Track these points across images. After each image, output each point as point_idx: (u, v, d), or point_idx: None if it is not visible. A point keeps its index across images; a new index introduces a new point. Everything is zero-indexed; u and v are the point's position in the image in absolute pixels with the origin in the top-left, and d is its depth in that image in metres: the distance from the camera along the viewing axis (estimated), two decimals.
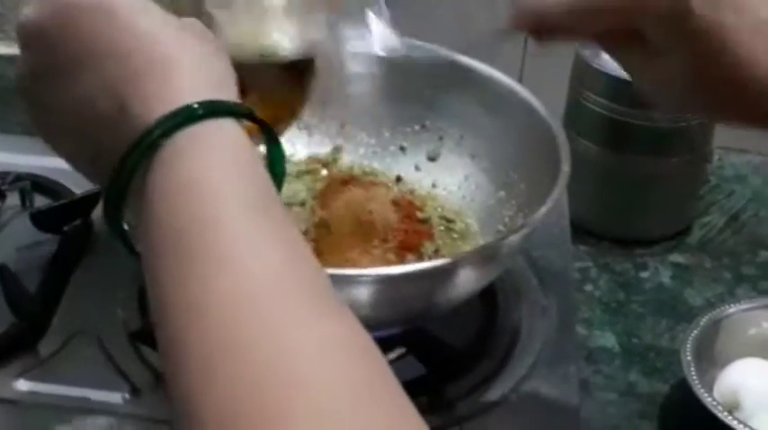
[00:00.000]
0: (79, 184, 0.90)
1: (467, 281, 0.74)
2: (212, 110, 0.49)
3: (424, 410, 0.74)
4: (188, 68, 0.51)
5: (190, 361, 0.43)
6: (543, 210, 0.74)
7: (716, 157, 1.16)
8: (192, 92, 0.49)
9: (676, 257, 1.04)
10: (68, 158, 0.56)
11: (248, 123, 0.52)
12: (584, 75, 1.02)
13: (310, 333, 0.44)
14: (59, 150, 0.56)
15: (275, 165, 0.54)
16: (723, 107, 0.61)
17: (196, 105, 0.48)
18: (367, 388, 0.43)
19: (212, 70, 0.52)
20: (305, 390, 0.41)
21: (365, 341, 0.45)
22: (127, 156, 0.49)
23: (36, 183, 0.93)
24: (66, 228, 0.87)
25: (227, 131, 0.49)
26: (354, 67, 0.91)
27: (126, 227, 0.52)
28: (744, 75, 0.57)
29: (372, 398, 0.43)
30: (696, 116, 0.97)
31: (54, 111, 0.54)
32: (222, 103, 0.49)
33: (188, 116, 0.48)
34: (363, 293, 0.71)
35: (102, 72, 0.51)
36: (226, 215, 0.47)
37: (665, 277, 1.02)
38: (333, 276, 0.70)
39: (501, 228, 0.85)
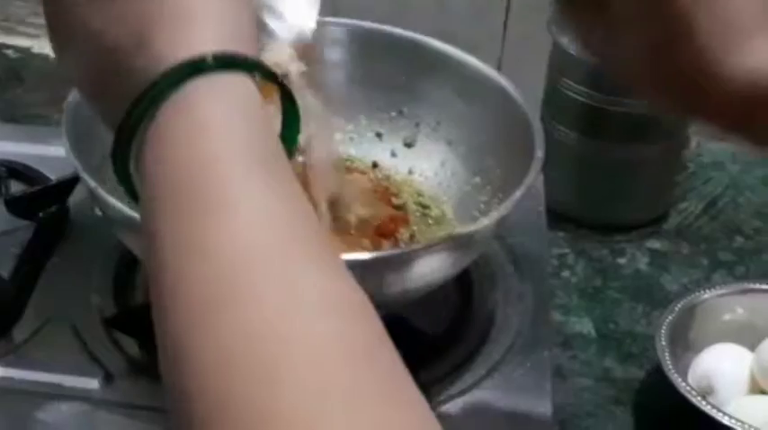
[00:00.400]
0: (55, 171, 0.90)
1: (441, 266, 0.74)
2: (229, 62, 0.48)
3: None
4: (213, 18, 0.50)
5: (189, 303, 0.43)
6: (517, 194, 0.74)
7: (694, 144, 1.17)
8: (213, 42, 0.49)
9: (653, 243, 1.05)
10: (81, 90, 0.56)
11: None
12: (562, 62, 1.02)
13: (312, 289, 0.43)
14: (77, 82, 0.56)
15: (290, 127, 0.53)
16: (688, 104, 0.59)
17: (212, 56, 0.48)
18: (363, 350, 0.43)
19: (237, 24, 0.51)
20: (300, 348, 0.41)
21: (365, 302, 0.44)
22: (142, 95, 0.48)
23: (12, 170, 0.93)
24: (41, 215, 0.87)
25: (241, 86, 0.49)
26: (331, 54, 0.91)
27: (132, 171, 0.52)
28: (707, 70, 0.54)
29: (368, 361, 0.42)
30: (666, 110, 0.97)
31: (78, 37, 0.54)
32: (240, 56, 0.49)
33: (201, 66, 0.48)
34: None
35: (131, 6, 0.51)
36: (231, 162, 0.46)
37: (642, 263, 1.02)
38: None
39: (476, 213, 0.85)
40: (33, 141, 0.96)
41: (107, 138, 0.80)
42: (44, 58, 1.25)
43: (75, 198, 0.89)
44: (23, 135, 0.99)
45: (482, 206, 0.86)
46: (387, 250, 0.73)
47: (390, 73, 0.91)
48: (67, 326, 0.79)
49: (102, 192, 0.72)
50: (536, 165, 0.76)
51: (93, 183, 0.73)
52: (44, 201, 0.88)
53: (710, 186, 1.13)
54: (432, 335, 0.79)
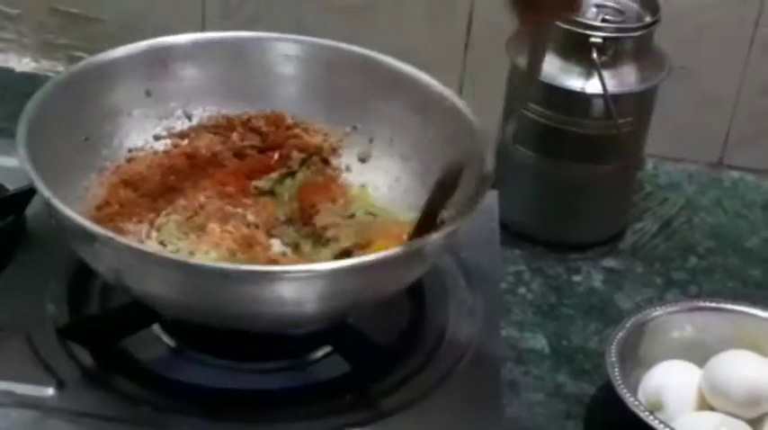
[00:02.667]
0: (12, 182, 0.91)
1: (391, 278, 0.75)
2: None
3: (349, 407, 0.77)
4: None
5: None
6: (467, 211, 0.76)
7: (651, 166, 1.18)
8: None
9: (609, 262, 1.06)
10: None
11: None
12: (520, 82, 1.03)
13: None
14: None
15: None
16: None
17: None
18: None
19: None
20: None
21: None
22: None
23: None
24: None
25: None
26: (287, 69, 0.92)
27: None
28: None
29: None
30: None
31: None
32: None
33: None
34: (288, 290, 0.72)
35: None
36: None
37: (597, 281, 1.04)
38: (258, 273, 0.72)
39: None
40: None
41: (63, 149, 0.83)
42: (8, 71, 1.26)
43: (32, 209, 0.89)
44: None
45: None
46: (335, 261, 0.74)
47: (345, 89, 0.92)
48: (21, 335, 0.79)
49: (57, 203, 0.73)
50: (486, 182, 0.78)
51: (48, 193, 0.74)
52: (1, 210, 0.88)
53: (666, 207, 1.15)
54: (383, 346, 0.80)
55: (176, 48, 0.92)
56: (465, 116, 0.85)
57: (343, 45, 0.92)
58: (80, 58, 1.01)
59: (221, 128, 0.93)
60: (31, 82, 1.22)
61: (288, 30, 0.96)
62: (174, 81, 0.92)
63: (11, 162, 0.92)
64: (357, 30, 0.96)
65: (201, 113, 0.93)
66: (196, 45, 0.93)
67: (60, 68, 1.24)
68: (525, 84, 0.88)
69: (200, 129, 0.93)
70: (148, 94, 0.91)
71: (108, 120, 0.89)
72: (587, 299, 1.01)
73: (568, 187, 1.05)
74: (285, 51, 0.92)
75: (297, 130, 0.93)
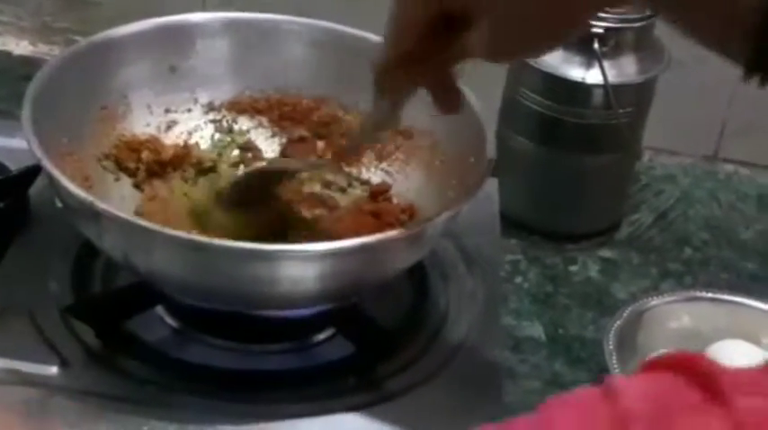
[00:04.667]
0: (15, 162, 0.91)
1: (392, 260, 0.75)
2: None
3: (353, 389, 0.77)
4: None
5: None
6: (468, 196, 0.77)
7: (647, 158, 1.19)
8: None
9: (605, 252, 1.07)
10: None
11: None
12: (520, 71, 1.04)
13: None
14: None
15: None
16: None
17: None
18: None
19: None
20: None
21: None
22: None
23: None
24: (1, 205, 0.88)
25: None
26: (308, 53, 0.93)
27: None
28: None
29: None
30: None
31: None
32: None
33: None
34: (292, 269, 0.73)
35: None
36: None
37: (593, 271, 1.04)
38: (259, 251, 0.72)
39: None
40: None
41: (69, 126, 0.83)
42: (6, 53, 1.26)
43: (35, 189, 0.89)
44: None
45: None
46: (337, 242, 0.74)
47: (347, 73, 0.92)
48: (25, 314, 0.79)
49: (63, 181, 0.73)
50: (487, 168, 0.78)
51: (55, 172, 0.74)
52: (4, 190, 0.88)
53: (662, 199, 1.16)
54: (387, 329, 0.80)
55: (199, 25, 0.93)
56: (466, 102, 0.85)
57: (366, 33, 0.92)
58: (78, 42, 1.01)
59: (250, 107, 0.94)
60: (29, 65, 1.22)
61: (288, 12, 0.96)
62: (199, 59, 0.92)
63: (12, 142, 0.93)
64: (354, 13, 0.96)
65: (223, 95, 0.94)
66: (219, 23, 0.93)
67: (57, 52, 1.24)
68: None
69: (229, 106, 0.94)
70: (172, 69, 0.92)
71: (127, 92, 0.90)
72: (583, 288, 1.02)
73: (566, 177, 1.05)
74: (308, 36, 0.93)
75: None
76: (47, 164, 0.74)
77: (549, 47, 0.69)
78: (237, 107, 0.94)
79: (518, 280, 1.01)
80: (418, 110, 0.82)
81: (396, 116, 0.77)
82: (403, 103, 0.75)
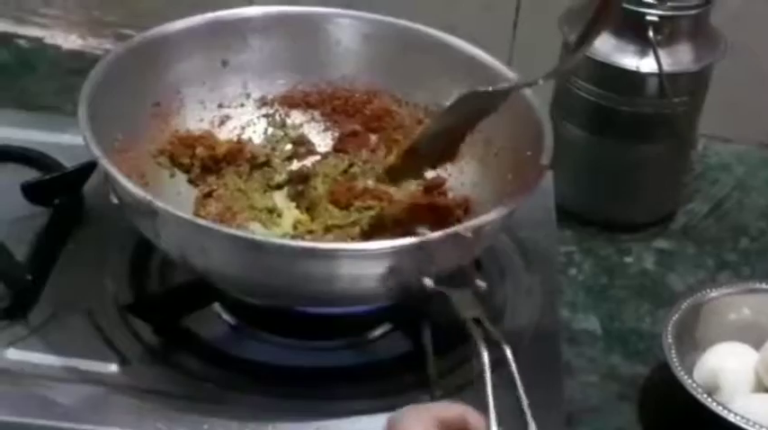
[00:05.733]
0: (69, 159, 0.91)
1: (448, 257, 0.75)
2: None
3: (411, 385, 0.77)
4: None
5: None
6: (526, 191, 0.76)
7: (701, 146, 1.18)
8: None
9: (660, 243, 1.06)
10: None
11: None
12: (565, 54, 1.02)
13: None
14: None
15: None
16: None
17: None
18: None
19: None
20: None
21: None
22: None
23: (27, 157, 0.94)
24: (57, 201, 0.88)
25: None
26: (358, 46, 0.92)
27: None
28: None
29: None
30: None
31: None
32: None
33: None
34: (349, 268, 0.72)
35: None
36: None
37: (649, 262, 1.03)
38: (319, 250, 0.72)
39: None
40: (47, 129, 0.97)
41: (124, 123, 0.83)
42: (56, 48, 1.26)
43: (90, 185, 0.89)
44: (37, 123, 0.99)
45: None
46: (392, 240, 0.73)
47: (414, 66, 0.92)
48: (83, 312, 0.79)
49: (121, 178, 0.73)
50: (543, 172, 0.78)
51: (111, 169, 0.74)
52: (60, 187, 0.89)
53: (717, 188, 1.14)
54: (443, 324, 0.79)
55: (252, 19, 0.92)
56: (524, 97, 0.84)
57: (419, 26, 0.92)
58: (128, 36, 1.01)
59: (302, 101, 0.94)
60: (79, 59, 1.22)
61: (338, 5, 0.96)
62: (251, 53, 0.92)
63: (65, 138, 0.94)
64: (405, 5, 0.96)
65: (275, 89, 0.94)
66: (271, 18, 0.93)
67: (108, 46, 1.24)
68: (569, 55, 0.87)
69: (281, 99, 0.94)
70: (224, 64, 0.91)
71: (180, 88, 0.89)
72: (639, 280, 1.01)
73: (620, 167, 1.04)
74: (361, 29, 0.93)
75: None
76: (104, 161, 0.74)
77: None
78: (290, 101, 0.94)
79: (572, 271, 1.01)
80: None
81: None
82: None
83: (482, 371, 0.66)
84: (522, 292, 0.86)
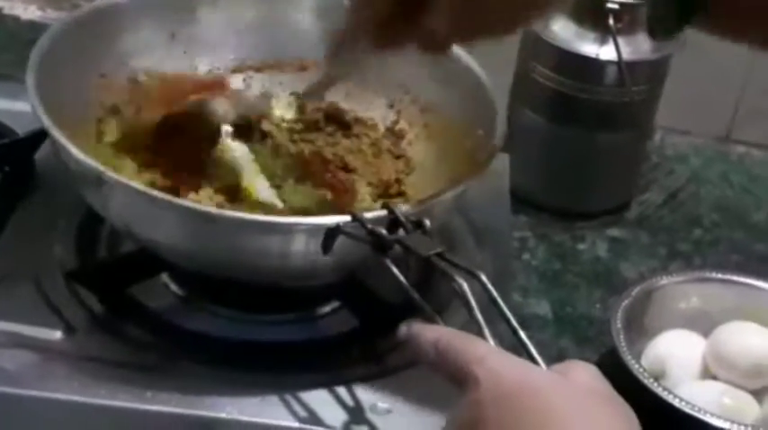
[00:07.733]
0: (21, 126, 0.90)
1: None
2: None
3: (357, 361, 0.76)
4: None
5: None
6: (477, 171, 0.76)
7: (658, 138, 1.19)
8: None
9: (614, 232, 1.06)
10: None
11: None
12: (532, 47, 1.03)
13: None
14: None
15: None
16: None
17: None
18: None
19: None
20: None
21: None
22: None
23: None
24: (6, 168, 0.87)
25: None
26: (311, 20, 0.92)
27: None
28: None
29: None
30: None
31: None
32: None
33: None
34: (296, 242, 0.72)
35: None
36: None
37: (602, 250, 1.04)
38: (264, 224, 0.71)
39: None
40: (1, 96, 0.96)
41: (72, 92, 0.82)
42: (15, 18, 1.25)
43: (41, 153, 0.89)
44: None
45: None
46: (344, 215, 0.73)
47: None
48: (30, 279, 0.78)
49: (68, 146, 0.72)
50: (493, 152, 0.78)
51: (61, 138, 0.73)
52: (10, 154, 0.88)
53: (672, 179, 1.15)
54: (391, 302, 0.79)
55: None
56: (478, 77, 0.84)
57: None
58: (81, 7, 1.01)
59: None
60: (37, 30, 1.21)
61: None
62: (200, 26, 0.91)
63: (17, 106, 0.93)
64: None
65: (223, 63, 0.93)
66: None
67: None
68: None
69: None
70: (173, 36, 0.91)
71: (126, 60, 0.88)
72: (592, 267, 1.01)
73: (577, 154, 1.05)
74: (314, 5, 0.92)
75: None
76: (52, 128, 0.73)
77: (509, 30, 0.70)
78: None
79: (526, 257, 1.01)
80: (425, 82, 0.81)
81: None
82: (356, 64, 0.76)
83: (464, 299, 0.66)
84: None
